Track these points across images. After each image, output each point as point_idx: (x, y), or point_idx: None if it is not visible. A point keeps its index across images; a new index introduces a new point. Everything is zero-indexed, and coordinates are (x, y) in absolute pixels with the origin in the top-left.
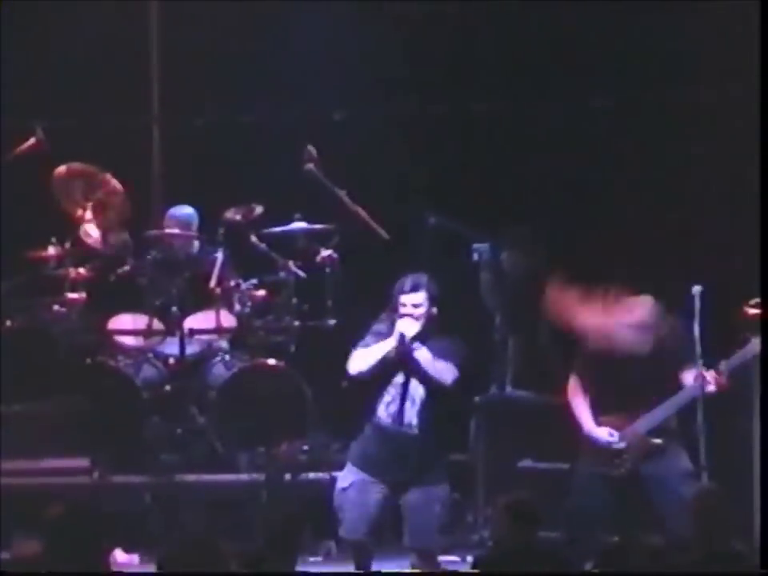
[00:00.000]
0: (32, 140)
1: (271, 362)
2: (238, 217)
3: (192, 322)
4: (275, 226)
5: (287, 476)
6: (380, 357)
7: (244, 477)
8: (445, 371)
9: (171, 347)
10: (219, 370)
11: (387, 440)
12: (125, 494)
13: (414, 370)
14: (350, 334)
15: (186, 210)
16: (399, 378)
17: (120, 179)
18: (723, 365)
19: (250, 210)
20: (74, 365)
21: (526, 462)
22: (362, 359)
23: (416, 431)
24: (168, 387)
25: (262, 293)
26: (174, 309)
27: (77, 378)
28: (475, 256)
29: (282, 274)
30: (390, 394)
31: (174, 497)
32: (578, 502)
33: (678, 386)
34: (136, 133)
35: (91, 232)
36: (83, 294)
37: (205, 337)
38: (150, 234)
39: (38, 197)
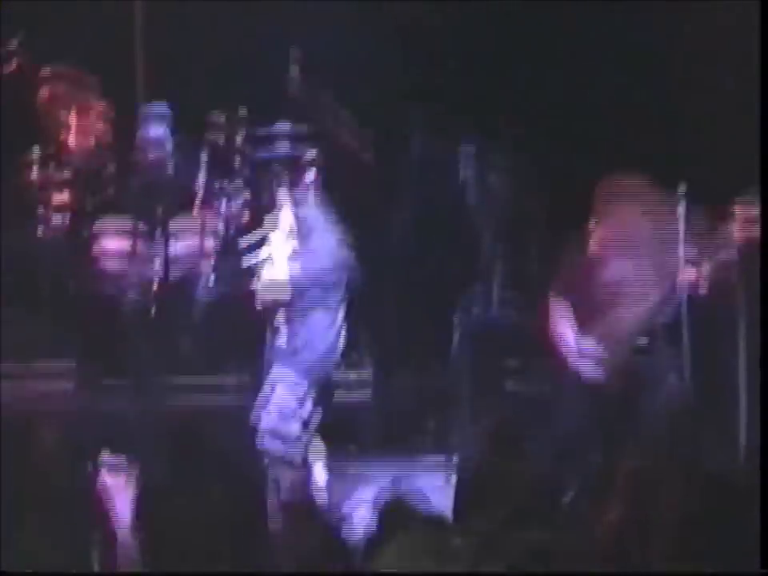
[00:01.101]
0: (13, 63)
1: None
2: (222, 119)
3: (176, 245)
4: (259, 128)
5: None
6: None
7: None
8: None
9: (155, 271)
10: (203, 294)
11: None
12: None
13: None
14: None
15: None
16: None
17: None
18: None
19: (234, 113)
20: (58, 291)
21: (509, 384)
22: None
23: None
24: (152, 311)
25: (246, 215)
26: (158, 232)
27: (60, 304)
28: (462, 174)
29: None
30: None
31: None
32: (563, 423)
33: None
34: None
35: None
36: (66, 219)
37: (189, 261)
38: (131, 159)
39: (20, 111)
